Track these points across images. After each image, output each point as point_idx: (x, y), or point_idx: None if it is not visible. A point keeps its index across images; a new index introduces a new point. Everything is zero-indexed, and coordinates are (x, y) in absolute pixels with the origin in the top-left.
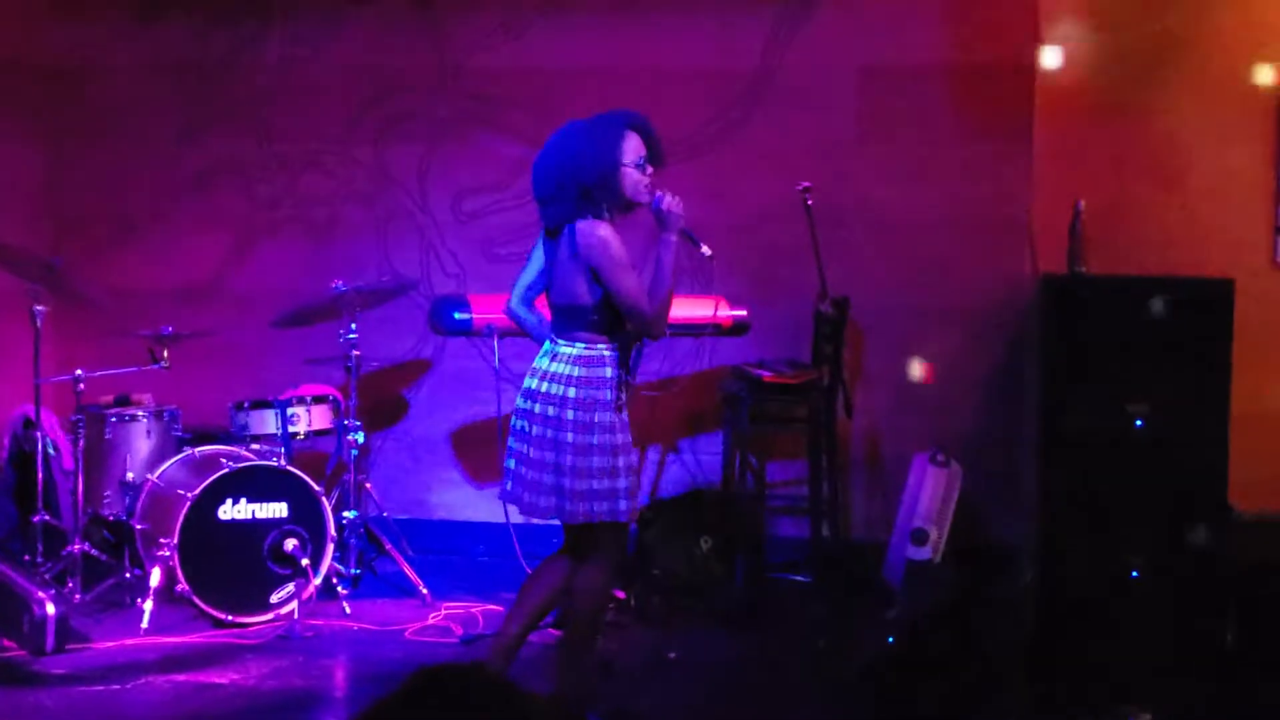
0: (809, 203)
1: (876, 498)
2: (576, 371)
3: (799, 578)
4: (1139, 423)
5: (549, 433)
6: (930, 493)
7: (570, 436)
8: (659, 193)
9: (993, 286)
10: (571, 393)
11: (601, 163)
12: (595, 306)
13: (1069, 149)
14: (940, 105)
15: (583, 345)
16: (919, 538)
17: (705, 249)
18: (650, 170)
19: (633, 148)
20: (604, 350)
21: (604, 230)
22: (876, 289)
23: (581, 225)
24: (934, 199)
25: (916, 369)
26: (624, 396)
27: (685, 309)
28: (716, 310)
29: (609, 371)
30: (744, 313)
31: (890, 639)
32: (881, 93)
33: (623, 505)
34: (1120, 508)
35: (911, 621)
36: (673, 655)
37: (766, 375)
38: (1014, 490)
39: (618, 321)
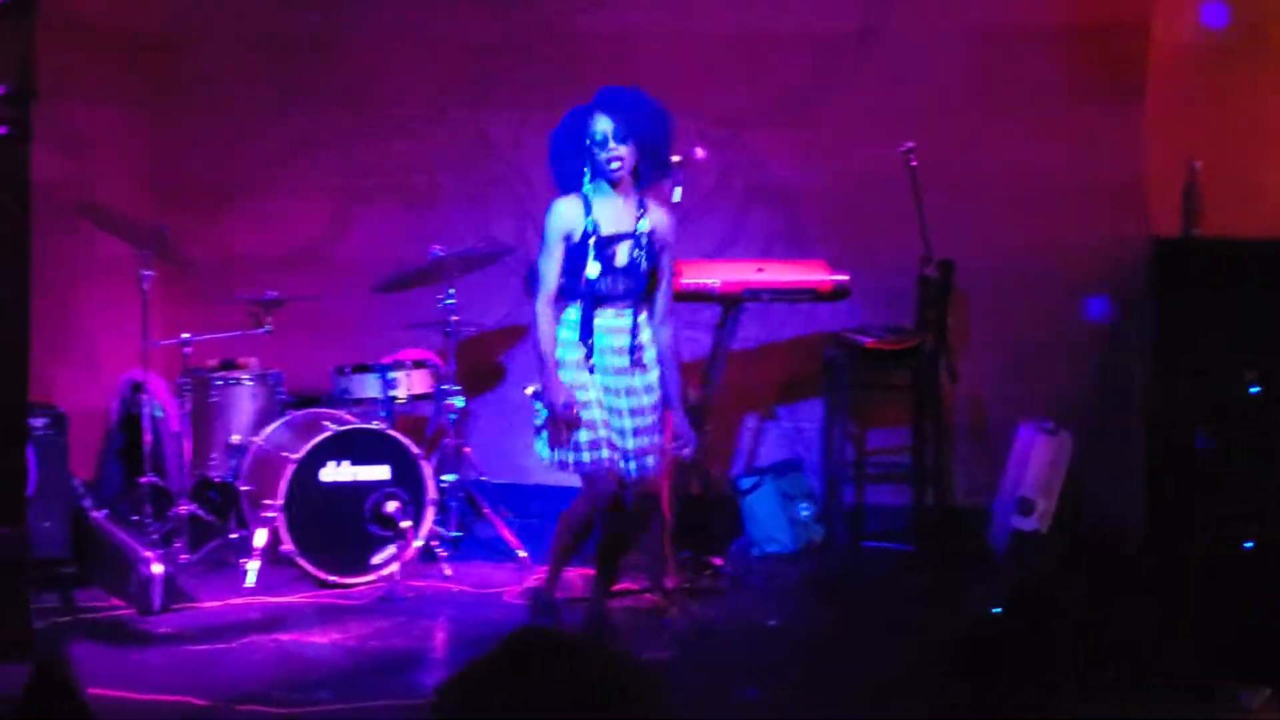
0: (912, 164)
1: (980, 466)
2: None
3: (900, 546)
4: (1254, 388)
5: None
6: (1038, 461)
7: None
8: None
9: (1102, 250)
10: None
11: (568, 148)
12: None
13: (1182, 110)
14: (1050, 66)
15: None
16: (1025, 507)
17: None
18: (613, 146)
19: (595, 126)
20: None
21: (553, 207)
22: (982, 253)
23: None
24: (1042, 161)
25: None
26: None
27: (783, 274)
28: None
29: (566, 332)
30: (845, 277)
31: (996, 609)
32: (989, 53)
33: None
34: (1233, 476)
35: (1017, 592)
36: (772, 623)
37: (868, 341)
38: (1123, 459)
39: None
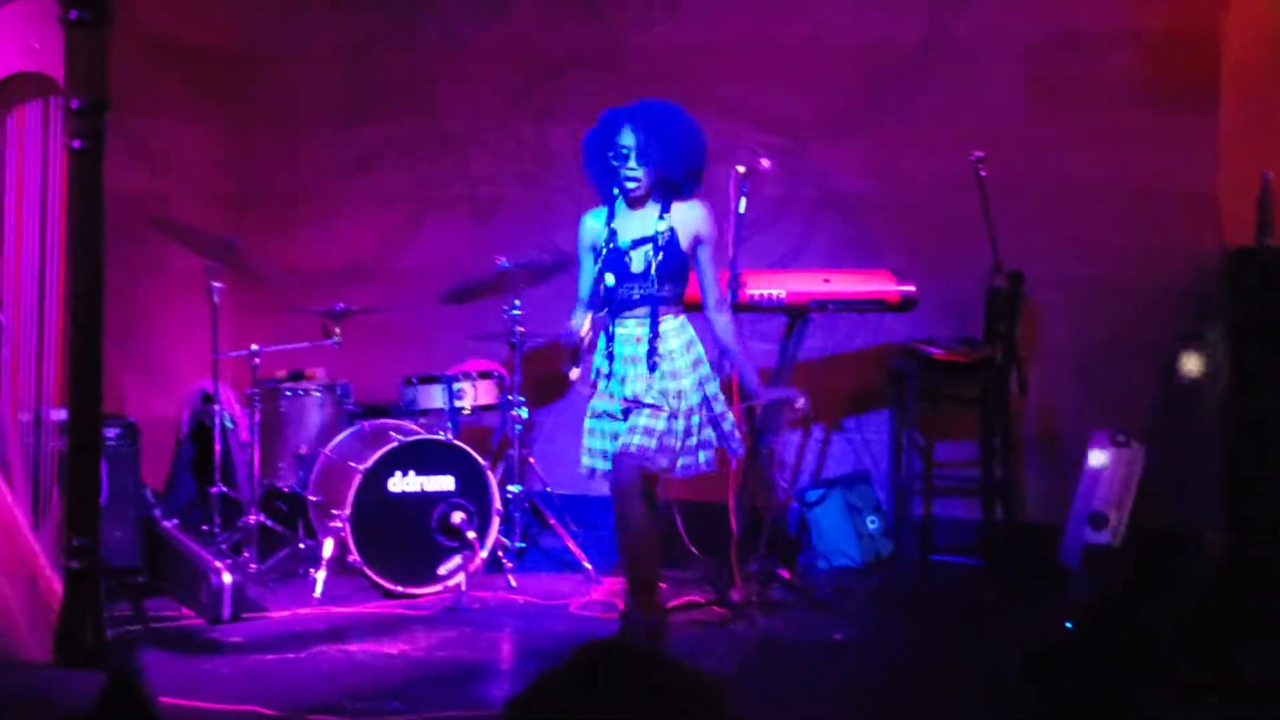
0: (982, 174)
1: (1051, 479)
2: None
3: (969, 561)
4: None
5: None
6: (1110, 474)
7: None
8: None
9: (1174, 260)
10: None
11: (594, 155)
12: None
13: (1257, 119)
14: (1119, 73)
15: None
16: (1097, 521)
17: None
18: (632, 165)
19: (620, 139)
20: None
21: (582, 220)
22: (1052, 263)
23: None
24: (1113, 170)
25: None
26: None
27: (850, 284)
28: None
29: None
30: (912, 288)
31: (1068, 624)
32: (1056, 60)
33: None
34: None
35: (1090, 606)
36: (839, 636)
37: (936, 352)
38: (1198, 471)
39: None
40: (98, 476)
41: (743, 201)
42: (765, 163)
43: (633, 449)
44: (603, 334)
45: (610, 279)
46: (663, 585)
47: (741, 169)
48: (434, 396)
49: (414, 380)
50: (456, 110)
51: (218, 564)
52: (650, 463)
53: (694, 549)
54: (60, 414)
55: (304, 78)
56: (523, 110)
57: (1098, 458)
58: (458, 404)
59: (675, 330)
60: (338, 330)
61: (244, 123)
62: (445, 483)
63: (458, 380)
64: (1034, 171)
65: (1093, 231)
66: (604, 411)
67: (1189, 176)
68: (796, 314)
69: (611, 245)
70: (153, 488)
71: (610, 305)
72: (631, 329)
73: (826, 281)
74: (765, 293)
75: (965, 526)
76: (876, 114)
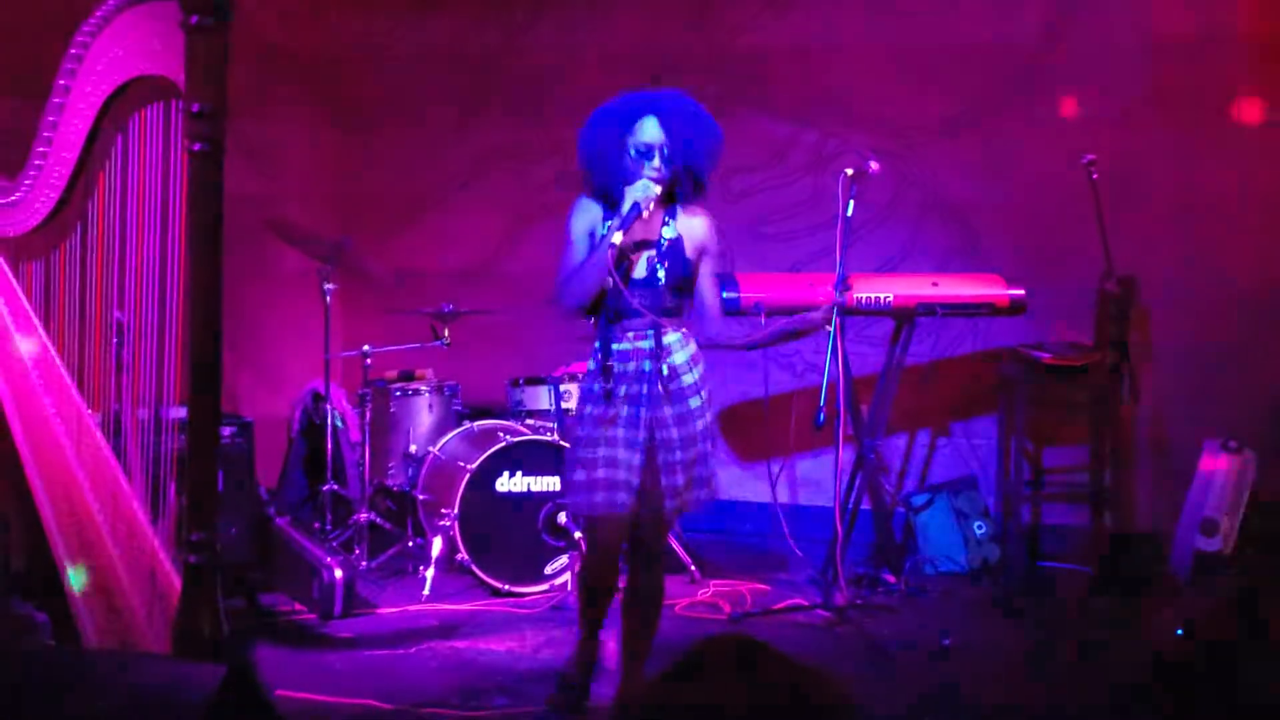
0: (1094, 177)
1: (1162, 486)
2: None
3: (1079, 567)
4: None
5: None
6: (1222, 481)
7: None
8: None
9: None
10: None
11: (604, 149)
12: None
13: None
14: (1238, 76)
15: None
16: (1209, 528)
17: (616, 236)
18: (656, 164)
19: (641, 133)
20: (595, 340)
21: (576, 205)
22: (1165, 268)
23: None
24: (1229, 174)
25: None
26: (603, 385)
27: (958, 288)
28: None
29: (590, 362)
30: (1021, 292)
31: (1179, 631)
32: (1174, 63)
33: (573, 498)
34: None
35: (1201, 615)
36: (946, 642)
37: (1046, 357)
38: None
39: (597, 305)
40: (215, 473)
41: (850, 205)
42: (874, 165)
43: (668, 506)
44: (598, 346)
45: (608, 282)
46: (766, 587)
47: (850, 172)
48: (540, 398)
49: (520, 381)
50: (565, 115)
51: (329, 560)
52: (692, 504)
53: (799, 551)
54: (178, 412)
55: (414, 82)
56: None
57: (1209, 468)
58: (564, 405)
59: (678, 343)
60: (447, 332)
61: (355, 127)
62: (552, 483)
63: (563, 382)
64: (1146, 175)
65: (1210, 239)
66: (602, 437)
67: None
68: (904, 318)
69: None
70: (265, 485)
71: (608, 314)
72: (630, 344)
73: (935, 285)
74: (872, 296)
75: (1073, 533)
76: (988, 116)
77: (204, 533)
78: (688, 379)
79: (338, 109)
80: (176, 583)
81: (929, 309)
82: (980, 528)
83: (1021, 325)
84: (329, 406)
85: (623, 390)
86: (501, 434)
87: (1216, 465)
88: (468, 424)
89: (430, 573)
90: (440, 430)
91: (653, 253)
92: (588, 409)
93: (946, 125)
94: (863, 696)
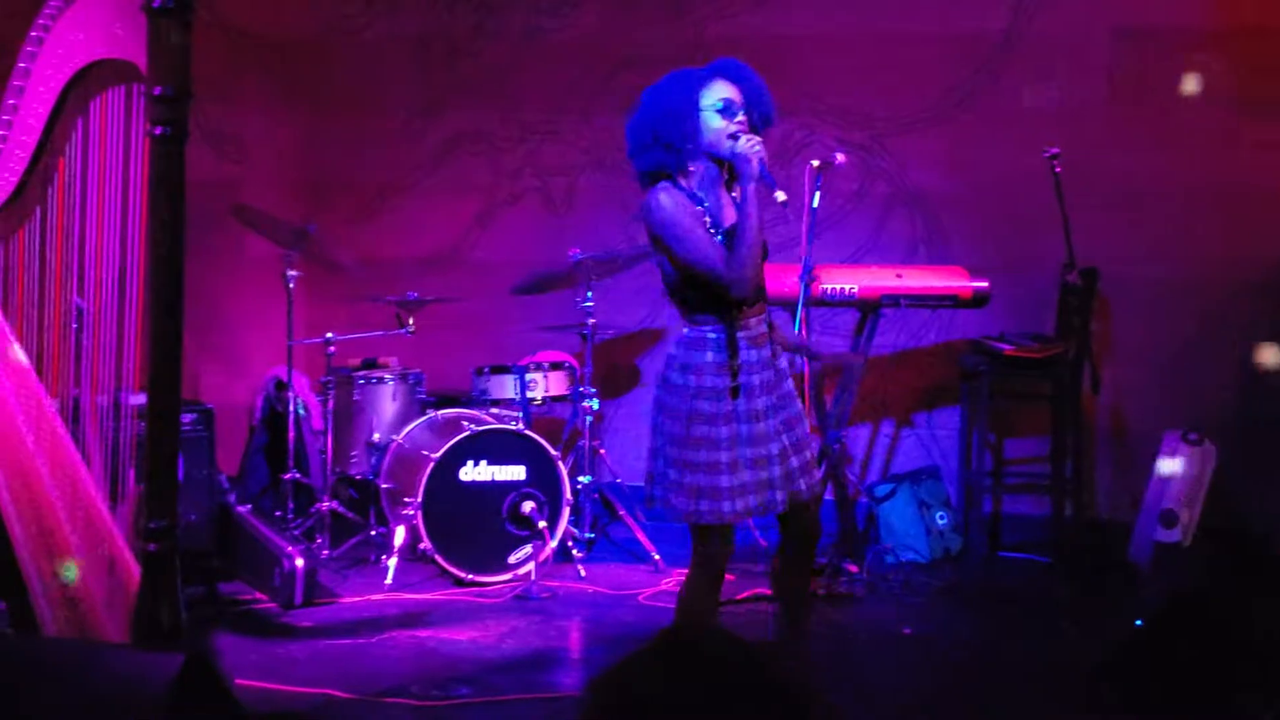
0: (1057, 170)
1: (1123, 477)
2: (678, 355)
3: (1038, 557)
4: None
5: (654, 417)
6: (1181, 472)
7: (663, 422)
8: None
9: (1251, 259)
10: (669, 376)
11: (678, 108)
12: (682, 283)
13: None
14: (1200, 69)
15: (688, 328)
16: (1168, 519)
17: (779, 194)
18: (740, 118)
19: (716, 92)
20: (708, 333)
21: (661, 195)
22: (1126, 260)
23: (644, 199)
24: (1190, 167)
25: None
26: (738, 382)
27: (922, 279)
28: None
29: (710, 355)
30: (984, 284)
31: (1137, 621)
32: (1137, 56)
33: (712, 506)
34: None
35: (1159, 606)
36: (907, 630)
37: (1008, 349)
38: (1271, 470)
39: (714, 296)
40: (175, 460)
41: (817, 196)
42: (840, 157)
43: (804, 485)
44: (717, 338)
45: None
46: (731, 577)
47: (816, 163)
48: (506, 387)
49: (486, 370)
50: (533, 103)
51: (290, 549)
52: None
53: (763, 541)
54: (138, 398)
55: (383, 69)
56: (599, 103)
57: (1168, 466)
58: (529, 394)
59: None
60: (411, 320)
61: (322, 112)
62: (516, 472)
63: (529, 371)
64: (1109, 167)
65: (1171, 230)
66: (741, 435)
67: (1264, 174)
68: (869, 309)
69: (721, 232)
70: (226, 473)
71: (731, 305)
72: (754, 330)
73: (899, 277)
74: (838, 287)
75: (1034, 523)
76: (954, 108)
77: (163, 521)
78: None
79: (305, 94)
80: (136, 571)
81: (893, 300)
82: (942, 518)
83: (987, 316)
84: (291, 394)
85: (756, 380)
86: (466, 423)
87: (1176, 456)
88: (432, 413)
89: (393, 562)
90: (404, 419)
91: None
92: (705, 406)
93: (914, 117)
94: (823, 683)
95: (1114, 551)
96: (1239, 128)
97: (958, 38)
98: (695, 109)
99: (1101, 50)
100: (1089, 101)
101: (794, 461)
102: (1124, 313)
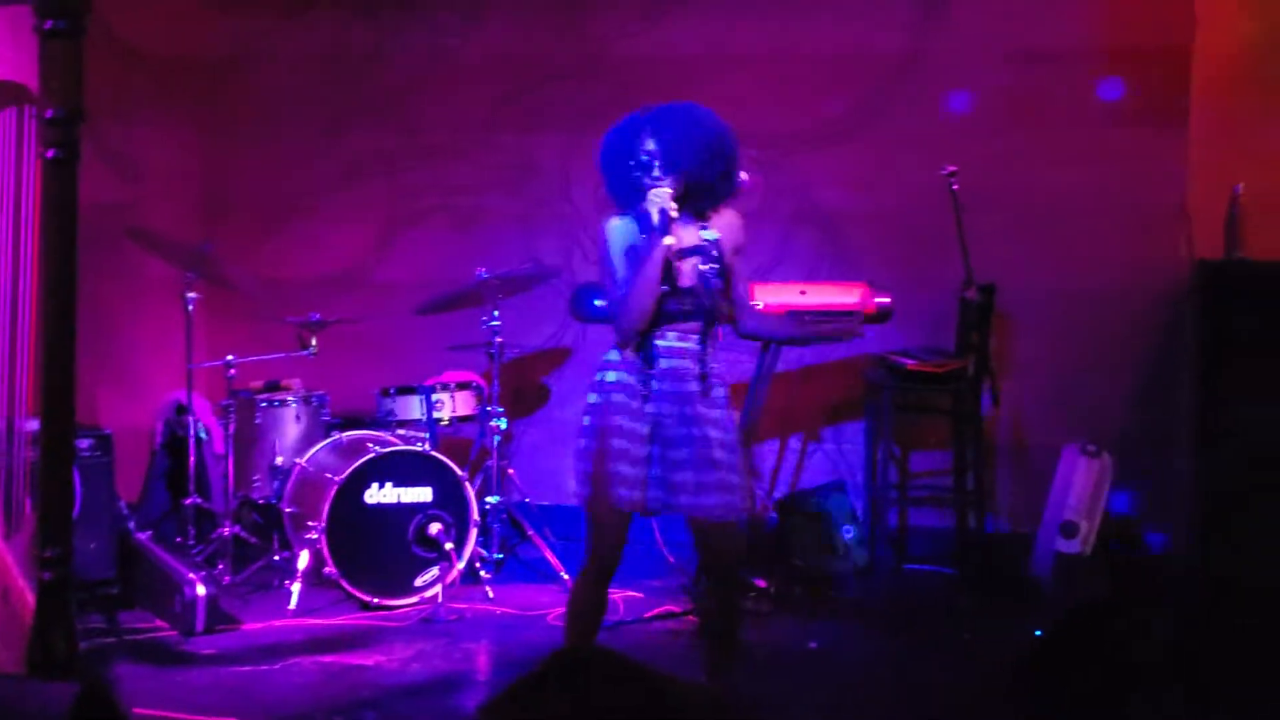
0: (954, 187)
1: (1023, 489)
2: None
3: (943, 569)
4: None
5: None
6: (1081, 484)
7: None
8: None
9: (1145, 273)
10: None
11: (609, 160)
12: None
13: (1227, 133)
14: (1092, 88)
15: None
16: (1069, 530)
17: (668, 239)
18: (656, 173)
19: (640, 143)
20: (613, 354)
21: (607, 226)
22: (1024, 276)
23: None
24: (1085, 184)
25: None
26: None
27: (826, 296)
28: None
29: (610, 375)
30: (887, 300)
31: (1037, 632)
32: (1031, 75)
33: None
34: None
35: (1060, 616)
36: (813, 645)
37: (910, 363)
38: (1167, 482)
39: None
40: (70, 487)
41: None
42: (743, 175)
43: (710, 502)
44: (638, 348)
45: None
46: (639, 595)
47: None
48: (412, 407)
49: (391, 391)
50: (437, 122)
51: (191, 576)
52: (720, 515)
53: (670, 558)
54: (33, 424)
55: (282, 88)
56: (503, 122)
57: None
58: (436, 415)
59: (713, 354)
60: (314, 341)
61: (221, 132)
62: (423, 494)
63: (436, 391)
64: (1008, 185)
65: (1066, 245)
66: (646, 435)
67: (1160, 190)
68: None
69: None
70: (126, 499)
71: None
72: (673, 342)
73: (803, 293)
74: None
75: (939, 536)
76: (855, 126)
77: (58, 548)
78: (720, 390)
79: (204, 113)
80: (31, 602)
81: (797, 317)
82: (849, 532)
83: (890, 332)
84: (192, 418)
85: (664, 388)
86: (371, 444)
87: (1076, 468)
88: (336, 434)
89: (296, 587)
90: (308, 441)
91: (699, 258)
92: (617, 396)
93: (815, 135)
94: (729, 701)
95: (1016, 562)
96: (1132, 145)
97: (858, 57)
98: (623, 161)
99: (999, 72)
100: (988, 121)
101: (677, 476)
102: (1024, 328)
